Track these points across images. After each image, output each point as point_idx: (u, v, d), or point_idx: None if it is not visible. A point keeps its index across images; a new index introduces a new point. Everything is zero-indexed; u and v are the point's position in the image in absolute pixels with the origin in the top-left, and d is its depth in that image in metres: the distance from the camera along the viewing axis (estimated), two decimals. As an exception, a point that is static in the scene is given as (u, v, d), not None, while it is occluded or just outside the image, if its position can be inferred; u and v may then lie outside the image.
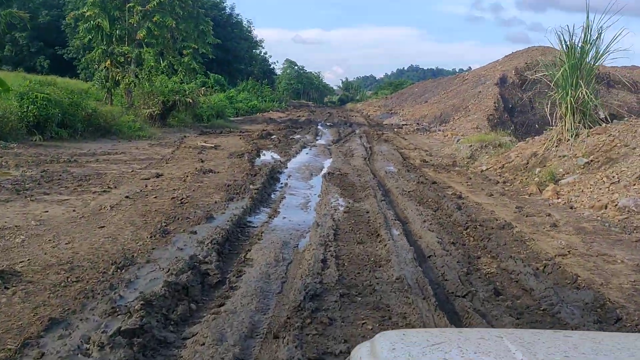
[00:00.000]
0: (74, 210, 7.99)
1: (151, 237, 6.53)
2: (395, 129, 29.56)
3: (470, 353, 1.48)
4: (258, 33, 64.77)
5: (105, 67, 25.69)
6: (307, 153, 18.41)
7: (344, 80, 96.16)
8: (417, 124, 33.88)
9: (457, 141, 22.78)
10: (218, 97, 35.26)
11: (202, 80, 35.80)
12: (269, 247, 6.94)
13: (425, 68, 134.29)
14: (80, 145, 15.59)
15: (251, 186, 10.26)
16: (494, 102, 35.54)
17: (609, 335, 1.86)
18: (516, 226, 8.28)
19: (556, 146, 13.24)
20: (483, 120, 32.87)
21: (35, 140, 15.27)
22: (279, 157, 16.76)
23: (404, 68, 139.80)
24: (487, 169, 14.15)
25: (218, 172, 12.16)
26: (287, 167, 14.73)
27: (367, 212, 9.33)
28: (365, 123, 34.02)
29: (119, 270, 5.42)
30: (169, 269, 5.42)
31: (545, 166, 12.75)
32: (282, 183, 12.29)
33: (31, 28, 43.41)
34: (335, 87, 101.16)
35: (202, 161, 14.01)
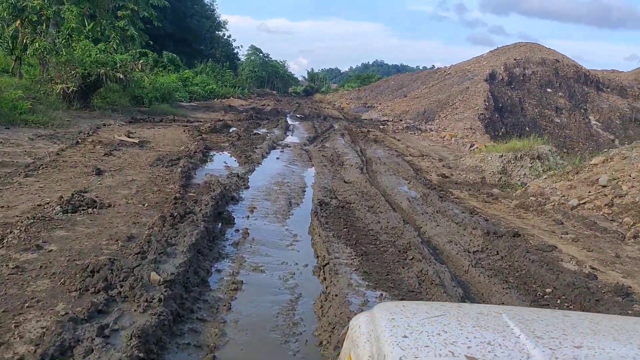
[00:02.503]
0: None
1: None
2: (381, 126, 23.47)
3: (469, 327, 1.39)
4: (222, 16, 57.19)
5: (15, 28, 18.57)
6: (277, 158, 12.07)
7: (309, 70, 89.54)
8: (401, 120, 27.97)
9: (471, 148, 16.90)
10: (170, 78, 28.44)
11: (151, 55, 28.93)
12: None
13: (389, 64, 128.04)
14: None
15: (156, 277, 3.82)
16: (484, 100, 30.02)
17: (606, 317, 1.70)
18: None
19: None
20: (474, 119, 27.33)
21: None
22: (236, 164, 10.38)
23: (369, 62, 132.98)
24: (580, 204, 8.13)
25: (107, 208, 5.69)
26: (247, 188, 8.38)
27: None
28: (341, 117, 27.78)
29: None
30: None
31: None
32: (237, 231, 5.97)
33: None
34: (300, 78, 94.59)
35: (99, 173, 7.50)
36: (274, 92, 63.10)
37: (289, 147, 14.03)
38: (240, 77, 53.55)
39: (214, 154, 11.32)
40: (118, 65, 17.06)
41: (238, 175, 8.80)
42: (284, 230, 6.34)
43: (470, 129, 26.12)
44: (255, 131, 16.28)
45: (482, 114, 28.49)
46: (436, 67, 47.88)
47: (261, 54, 72.52)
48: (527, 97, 33.78)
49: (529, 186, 10.47)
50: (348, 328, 1.57)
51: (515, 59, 35.72)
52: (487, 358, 1.21)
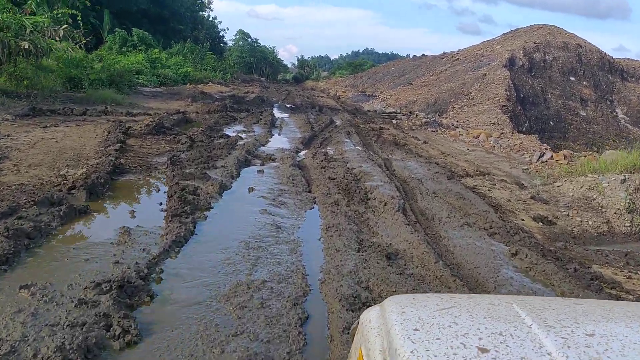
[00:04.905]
0: None
1: None
2: (394, 121, 17.77)
3: (480, 318, 1.29)
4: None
5: None
6: (251, 187, 6.32)
7: (299, 57, 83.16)
8: (411, 112, 22.29)
9: (540, 159, 11.21)
10: (135, 58, 22.57)
11: (118, 33, 23.10)
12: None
13: (380, 52, 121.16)
14: None
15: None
16: (506, 90, 24.41)
17: (619, 304, 1.61)
18: None
19: None
20: (498, 112, 21.76)
21: None
22: (159, 216, 4.69)
23: (359, 50, 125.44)
24: None
25: None
26: (137, 341, 2.71)
27: None
28: (339, 107, 21.97)
29: None
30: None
31: None
32: None
33: None
34: (289, 65, 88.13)
35: None
36: (262, 78, 57.07)
37: (274, 159, 8.29)
38: (227, 62, 47.31)
39: (123, 187, 5.56)
40: (27, 31, 11.16)
41: (137, 273, 3.08)
42: None
43: (497, 124, 20.60)
44: (224, 131, 10.49)
45: (504, 105, 22.94)
46: (443, 54, 41.98)
47: (249, 39, 66.12)
48: (549, 86, 28.23)
49: None
50: (358, 322, 1.46)
51: (535, 43, 30.07)
52: (498, 349, 1.13)
